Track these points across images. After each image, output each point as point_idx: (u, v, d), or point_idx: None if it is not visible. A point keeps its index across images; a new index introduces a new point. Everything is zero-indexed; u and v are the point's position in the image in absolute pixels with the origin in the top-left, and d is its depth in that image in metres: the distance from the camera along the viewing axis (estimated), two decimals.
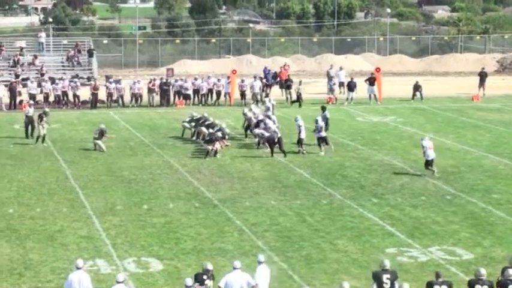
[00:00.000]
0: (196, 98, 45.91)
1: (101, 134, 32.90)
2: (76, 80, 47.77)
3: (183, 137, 35.46)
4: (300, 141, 32.35)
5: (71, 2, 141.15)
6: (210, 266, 16.37)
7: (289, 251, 20.65)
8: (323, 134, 32.23)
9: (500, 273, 16.22)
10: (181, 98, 45.49)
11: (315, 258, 20.17)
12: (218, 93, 46.09)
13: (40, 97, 44.83)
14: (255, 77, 47.17)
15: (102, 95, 45.15)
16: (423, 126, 38.74)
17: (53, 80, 46.51)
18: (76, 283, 16.02)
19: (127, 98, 45.18)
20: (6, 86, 45.33)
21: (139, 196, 25.89)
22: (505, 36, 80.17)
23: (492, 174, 29.04)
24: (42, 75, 49.83)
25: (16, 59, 53.67)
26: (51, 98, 44.83)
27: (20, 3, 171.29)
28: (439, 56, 69.13)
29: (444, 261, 19.96)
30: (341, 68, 50.75)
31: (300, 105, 43.81)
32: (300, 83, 45.94)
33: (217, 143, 31.67)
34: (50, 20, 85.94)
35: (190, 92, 45.63)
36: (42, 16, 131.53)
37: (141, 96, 45.37)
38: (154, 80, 46.50)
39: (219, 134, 32.18)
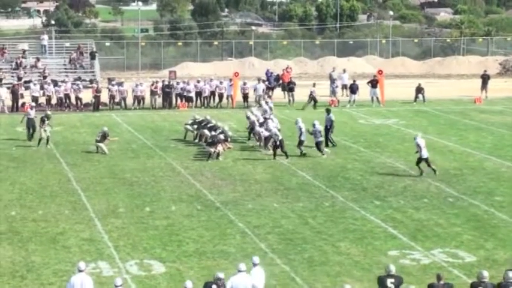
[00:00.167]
0: (198, 101, 45.95)
1: (104, 136, 32.91)
2: (78, 82, 47.84)
3: (186, 140, 35.47)
4: (300, 143, 32.33)
5: (73, 4, 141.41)
6: (221, 275, 16.00)
7: (292, 254, 20.61)
8: (320, 139, 32.15)
9: (503, 276, 16.18)
10: (184, 100, 45.50)
11: (317, 260, 20.14)
12: (220, 96, 46.11)
13: (42, 99, 44.87)
14: (258, 80, 47.23)
15: (104, 97, 45.15)
16: (426, 128, 38.64)
17: (55, 83, 46.50)
18: (78, 285, 16.00)
19: (129, 100, 45.20)
20: (8, 88, 45.39)
21: (141, 198, 25.87)
22: (507, 38, 80.00)
23: (495, 176, 29.00)
24: (45, 77, 49.83)
25: (18, 62, 53.74)
26: (54, 101, 44.86)
27: (23, 5, 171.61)
28: (441, 58, 69.03)
29: (446, 263, 19.91)
30: (344, 71, 50.81)
31: (314, 107, 43.92)
32: (314, 85, 46.10)
33: (220, 145, 31.67)
34: (53, 22, 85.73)
35: (192, 94, 45.65)
36: (44, 18, 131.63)
37: (143, 98, 45.38)
38: (157, 82, 46.51)
39: (221, 136, 32.19)
